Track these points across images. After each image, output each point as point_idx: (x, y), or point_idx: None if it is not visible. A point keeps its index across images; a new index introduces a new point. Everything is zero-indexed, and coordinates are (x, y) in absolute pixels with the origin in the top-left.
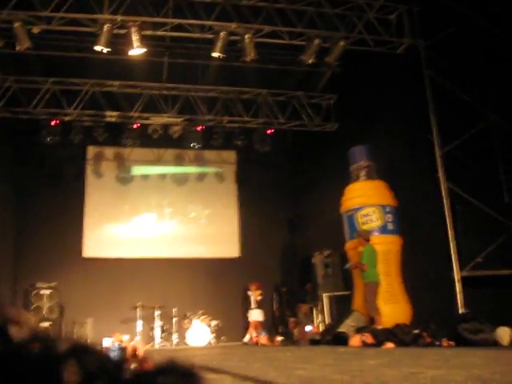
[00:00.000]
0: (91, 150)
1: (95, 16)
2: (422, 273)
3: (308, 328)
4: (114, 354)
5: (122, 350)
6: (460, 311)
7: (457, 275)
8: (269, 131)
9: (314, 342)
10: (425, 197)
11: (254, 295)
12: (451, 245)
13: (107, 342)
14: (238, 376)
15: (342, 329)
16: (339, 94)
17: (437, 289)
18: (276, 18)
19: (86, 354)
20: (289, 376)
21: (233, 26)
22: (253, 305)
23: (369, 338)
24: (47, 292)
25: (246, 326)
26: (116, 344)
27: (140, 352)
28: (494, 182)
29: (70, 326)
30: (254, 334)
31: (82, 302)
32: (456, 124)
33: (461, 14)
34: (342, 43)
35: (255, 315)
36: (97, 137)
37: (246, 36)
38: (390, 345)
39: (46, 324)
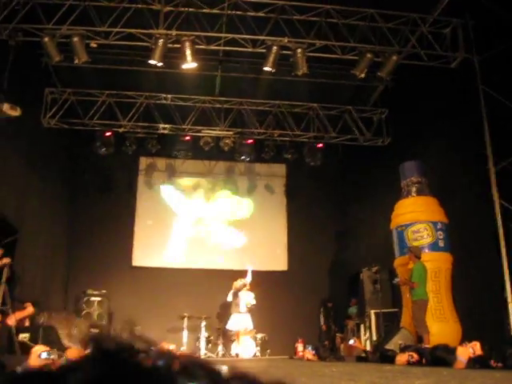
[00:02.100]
0: (143, 161)
1: (151, 31)
2: (473, 292)
3: (351, 341)
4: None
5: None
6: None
7: (509, 296)
8: (319, 145)
9: (360, 359)
10: (477, 214)
11: (246, 297)
12: (504, 264)
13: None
14: None
15: (389, 346)
16: (391, 109)
17: (488, 309)
18: (328, 33)
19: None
20: None
21: (285, 40)
22: (241, 308)
23: (415, 357)
24: (97, 299)
25: (293, 340)
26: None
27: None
28: None
29: (118, 332)
30: (237, 346)
31: (130, 309)
32: (510, 140)
33: None
34: (394, 57)
35: (244, 322)
36: (149, 148)
37: (298, 50)
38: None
39: (95, 330)
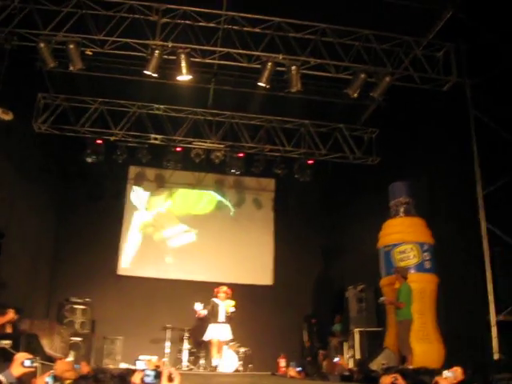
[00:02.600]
0: (133, 170)
1: (147, 42)
2: (457, 314)
3: (336, 359)
4: (150, 378)
5: (158, 374)
6: (495, 357)
7: (493, 319)
8: (309, 161)
9: (343, 378)
10: (463, 237)
11: (225, 306)
12: (489, 287)
13: (141, 365)
14: None
15: (373, 366)
16: (382, 129)
17: (471, 332)
18: (323, 51)
19: None
20: None
21: (280, 56)
22: (219, 318)
23: (399, 380)
24: (81, 307)
25: (275, 355)
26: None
27: (175, 377)
28: None
29: (100, 341)
30: (217, 358)
31: (113, 318)
32: (499, 165)
33: (508, 53)
34: (387, 79)
35: (223, 333)
36: (140, 158)
37: (293, 67)
38: None
39: (77, 339)
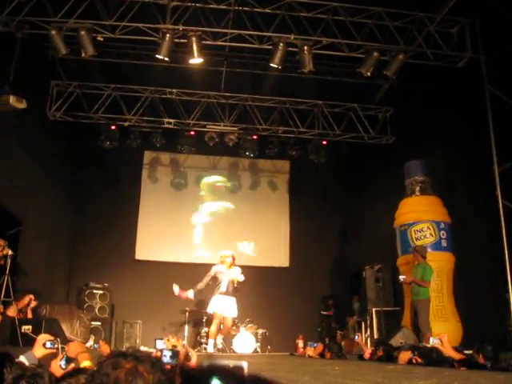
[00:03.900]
0: (148, 155)
1: (157, 26)
2: (474, 292)
3: (356, 337)
4: (167, 358)
5: (176, 354)
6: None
7: (511, 297)
8: (324, 142)
9: (361, 357)
10: (480, 215)
11: (230, 274)
12: (507, 265)
13: (160, 345)
14: None
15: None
16: (396, 107)
17: (489, 309)
18: (335, 30)
19: None
20: None
21: (291, 37)
22: (223, 288)
23: (419, 360)
24: (100, 292)
25: (293, 336)
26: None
27: (192, 357)
28: None
29: (119, 326)
30: (220, 339)
31: (132, 303)
32: None
33: None
34: (401, 56)
35: (228, 308)
36: (154, 142)
37: (305, 47)
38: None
39: (97, 323)
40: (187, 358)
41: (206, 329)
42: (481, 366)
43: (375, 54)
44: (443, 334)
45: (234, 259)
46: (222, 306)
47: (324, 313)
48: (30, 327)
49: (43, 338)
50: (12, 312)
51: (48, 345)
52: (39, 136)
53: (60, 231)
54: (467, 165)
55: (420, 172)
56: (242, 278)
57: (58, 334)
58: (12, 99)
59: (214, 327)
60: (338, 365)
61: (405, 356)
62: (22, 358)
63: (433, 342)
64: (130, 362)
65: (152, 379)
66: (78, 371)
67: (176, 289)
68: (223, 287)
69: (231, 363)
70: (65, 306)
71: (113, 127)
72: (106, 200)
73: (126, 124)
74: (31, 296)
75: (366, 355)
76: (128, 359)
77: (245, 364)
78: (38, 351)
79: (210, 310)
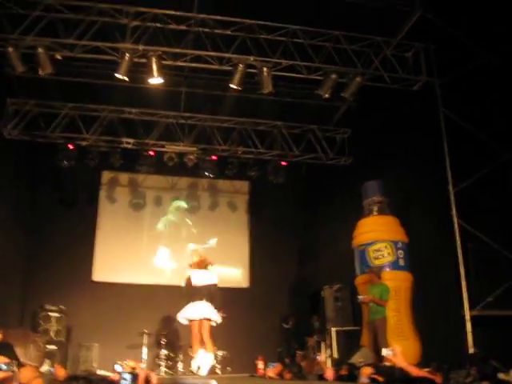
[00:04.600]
0: (106, 175)
1: (117, 45)
2: (431, 311)
3: (317, 357)
4: (127, 382)
5: (135, 376)
6: (470, 351)
7: (467, 314)
8: (283, 163)
9: (321, 377)
10: (437, 234)
11: (201, 277)
12: (462, 283)
13: (119, 368)
14: None
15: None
16: (354, 129)
17: (447, 328)
18: (294, 52)
19: None
20: None
21: (251, 58)
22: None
23: (378, 377)
24: (56, 315)
25: (252, 357)
26: (127, 370)
27: (153, 380)
28: (508, 221)
29: (76, 349)
30: (199, 352)
31: (89, 325)
32: (470, 162)
33: (476, 52)
34: (358, 79)
35: (203, 310)
36: (112, 162)
37: (264, 69)
38: None
39: (52, 347)
40: (147, 380)
41: (164, 351)
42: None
43: (333, 76)
44: (395, 345)
45: (202, 260)
46: (194, 310)
47: (286, 326)
48: None
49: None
50: None
51: (3, 367)
52: None
53: (14, 252)
54: (423, 185)
55: (377, 192)
56: (215, 280)
57: (11, 359)
58: None
59: (192, 340)
60: None
61: (366, 371)
62: None
63: (386, 353)
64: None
65: None
66: None
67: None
68: (195, 294)
69: (199, 382)
70: (19, 330)
71: (70, 146)
72: (62, 220)
73: (84, 143)
74: None
75: (328, 375)
76: (80, 382)
77: (214, 383)
78: None
79: (181, 319)
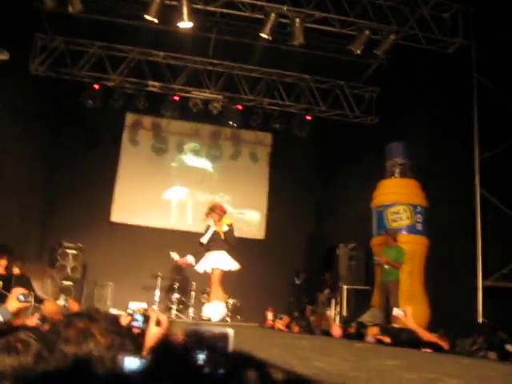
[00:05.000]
0: (130, 117)
1: None
2: (444, 277)
3: (328, 312)
4: (139, 322)
5: (147, 318)
6: (479, 320)
7: (479, 283)
8: (308, 117)
9: (327, 333)
10: (457, 201)
11: (217, 223)
12: (478, 253)
13: (131, 309)
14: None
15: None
16: (382, 88)
17: (458, 295)
18: (329, 5)
19: None
20: (308, 367)
21: (284, 8)
22: (208, 237)
23: (385, 337)
24: (73, 252)
25: (263, 308)
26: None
27: (162, 322)
28: None
29: (91, 286)
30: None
31: (105, 265)
32: (499, 131)
33: None
34: (392, 37)
35: (218, 260)
36: (137, 104)
37: (297, 20)
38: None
39: (68, 283)
40: (158, 322)
41: (176, 295)
42: (444, 351)
43: (367, 32)
44: (408, 307)
45: (220, 212)
46: (208, 261)
47: (297, 281)
48: (1, 283)
49: (17, 291)
50: None
51: (21, 298)
52: (20, 89)
53: (35, 188)
54: (449, 150)
55: (401, 154)
56: (225, 228)
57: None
58: None
59: (210, 288)
60: (307, 339)
61: (373, 331)
62: None
63: (397, 312)
64: (83, 321)
65: (104, 341)
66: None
67: (175, 256)
68: (211, 244)
69: (216, 330)
70: (36, 264)
71: (96, 86)
72: (84, 159)
73: (110, 84)
74: (5, 257)
75: (334, 331)
76: (82, 319)
77: (230, 331)
78: (12, 304)
79: (199, 269)
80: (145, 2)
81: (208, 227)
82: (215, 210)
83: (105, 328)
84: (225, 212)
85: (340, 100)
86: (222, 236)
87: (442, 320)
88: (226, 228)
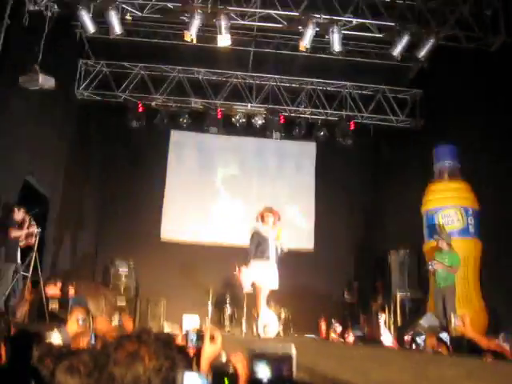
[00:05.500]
0: (174, 135)
1: (186, 5)
2: (500, 280)
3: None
4: (193, 341)
5: (201, 336)
6: None
7: None
8: (351, 125)
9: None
10: (509, 202)
11: (276, 235)
12: None
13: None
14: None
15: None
16: (426, 91)
17: None
18: (365, 11)
19: None
20: (366, 378)
21: (321, 17)
22: (266, 253)
23: (443, 347)
24: (125, 270)
25: (315, 318)
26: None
27: (217, 337)
28: None
29: (144, 305)
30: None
31: (156, 282)
32: None
33: None
34: (432, 39)
35: (270, 277)
36: (181, 122)
37: (334, 28)
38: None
39: (122, 301)
40: (212, 338)
41: (229, 310)
42: (506, 357)
43: (406, 35)
44: (465, 314)
45: (276, 216)
46: (263, 275)
47: (347, 298)
48: (57, 305)
49: (77, 314)
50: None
51: (80, 322)
52: (67, 115)
53: (86, 210)
54: (497, 150)
55: (449, 157)
56: (285, 247)
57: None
58: (41, 78)
59: (258, 301)
60: (363, 349)
61: (431, 341)
62: (56, 335)
63: (455, 322)
64: (133, 344)
65: (153, 365)
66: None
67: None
68: (266, 251)
69: (279, 350)
70: (91, 284)
71: (140, 107)
72: (132, 179)
73: (154, 104)
74: (60, 279)
75: (387, 340)
76: (131, 340)
77: (293, 351)
78: (72, 327)
79: (247, 282)
80: (184, 22)
81: (256, 232)
82: (273, 212)
83: (154, 351)
84: (279, 217)
85: (383, 105)
86: (283, 249)
87: (501, 325)
88: (285, 248)
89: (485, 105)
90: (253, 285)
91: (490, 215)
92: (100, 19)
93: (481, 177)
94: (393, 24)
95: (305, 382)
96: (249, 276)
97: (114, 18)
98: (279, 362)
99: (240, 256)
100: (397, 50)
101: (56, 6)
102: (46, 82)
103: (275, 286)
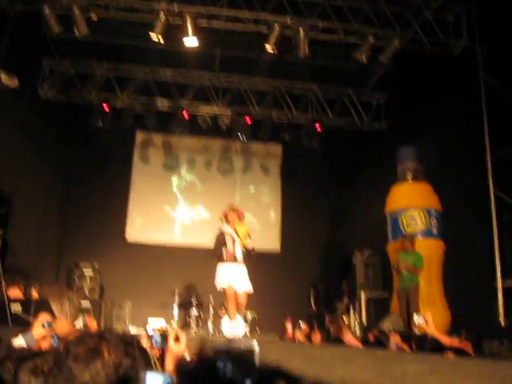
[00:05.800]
0: (140, 136)
1: (152, 4)
2: (462, 280)
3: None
4: (158, 342)
5: (165, 337)
6: (501, 323)
7: (499, 285)
8: (317, 127)
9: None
10: (471, 203)
11: (240, 235)
12: (496, 254)
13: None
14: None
15: (380, 330)
16: (390, 94)
17: (477, 298)
18: (331, 14)
19: None
20: (331, 376)
21: (288, 20)
22: (237, 253)
23: (405, 346)
24: (89, 273)
25: (281, 320)
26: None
27: (181, 338)
28: None
29: (109, 307)
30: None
31: (121, 284)
32: (509, 131)
33: None
34: (396, 42)
35: (239, 279)
36: (146, 123)
37: (301, 31)
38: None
39: (86, 303)
40: (176, 338)
41: (195, 311)
42: (468, 354)
43: (371, 39)
44: (428, 313)
45: (239, 215)
46: (234, 278)
47: (313, 299)
48: (20, 308)
49: (42, 317)
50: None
51: (46, 325)
52: (30, 114)
53: (50, 211)
54: (460, 152)
55: (412, 158)
56: (249, 242)
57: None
58: (3, 77)
59: (229, 305)
60: (328, 349)
61: (395, 339)
62: (21, 339)
63: (418, 321)
64: (93, 340)
65: (112, 360)
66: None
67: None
68: (233, 252)
69: (242, 345)
70: (54, 287)
71: (105, 107)
72: (96, 180)
73: (119, 104)
74: (20, 284)
75: (348, 339)
76: (93, 337)
77: (255, 345)
78: (37, 331)
79: (219, 285)
80: (150, 23)
81: (223, 233)
82: (236, 211)
83: (114, 346)
84: (243, 216)
85: (348, 108)
86: (247, 248)
87: (462, 323)
88: (250, 243)
89: (447, 107)
90: (225, 290)
91: (452, 216)
92: (65, 18)
93: (443, 178)
94: (358, 27)
95: (270, 372)
96: (224, 278)
97: (79, 18)
98: (242, 357)
99: (206, 257)
100: (361, 54)
101: (20, 4)
102: (8, 80)
103: (249, 288)
